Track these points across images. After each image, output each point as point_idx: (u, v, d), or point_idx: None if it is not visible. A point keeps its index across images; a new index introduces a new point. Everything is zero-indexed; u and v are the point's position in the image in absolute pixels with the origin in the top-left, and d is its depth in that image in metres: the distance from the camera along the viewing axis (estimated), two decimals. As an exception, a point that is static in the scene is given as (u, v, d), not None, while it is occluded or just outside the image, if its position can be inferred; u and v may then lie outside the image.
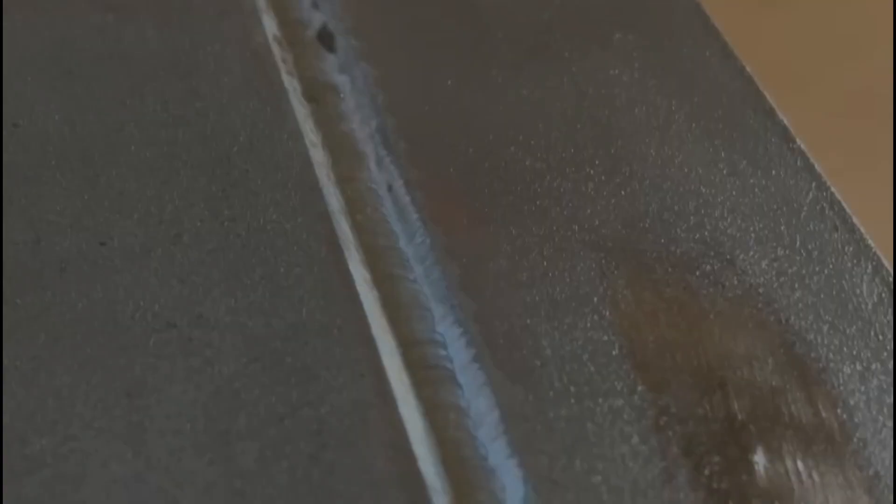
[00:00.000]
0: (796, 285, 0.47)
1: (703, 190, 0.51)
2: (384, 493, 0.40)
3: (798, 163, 0.52)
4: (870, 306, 0.47)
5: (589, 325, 0.45)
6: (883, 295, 0.47)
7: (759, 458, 0.42)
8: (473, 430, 0.43)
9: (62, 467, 0.40)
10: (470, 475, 0.42)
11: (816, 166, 0.51)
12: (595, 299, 0.46)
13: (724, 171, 0.51)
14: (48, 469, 0.40)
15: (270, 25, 0.56)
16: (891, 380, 0.44)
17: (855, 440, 0.43)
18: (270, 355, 0.43)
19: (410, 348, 0.45)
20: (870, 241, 0.49)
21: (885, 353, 0.45)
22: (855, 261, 0.48)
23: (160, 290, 0.45)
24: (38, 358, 0.43)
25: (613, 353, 0.45)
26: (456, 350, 0.45)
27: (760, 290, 0.47)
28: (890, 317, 0.46)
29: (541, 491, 0.41)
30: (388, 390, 0.43)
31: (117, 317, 0.44)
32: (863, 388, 0.44)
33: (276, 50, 0.55)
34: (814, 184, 0.51)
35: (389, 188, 0.50)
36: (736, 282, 0.47)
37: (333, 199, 0.49)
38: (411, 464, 0.41)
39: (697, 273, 0.48)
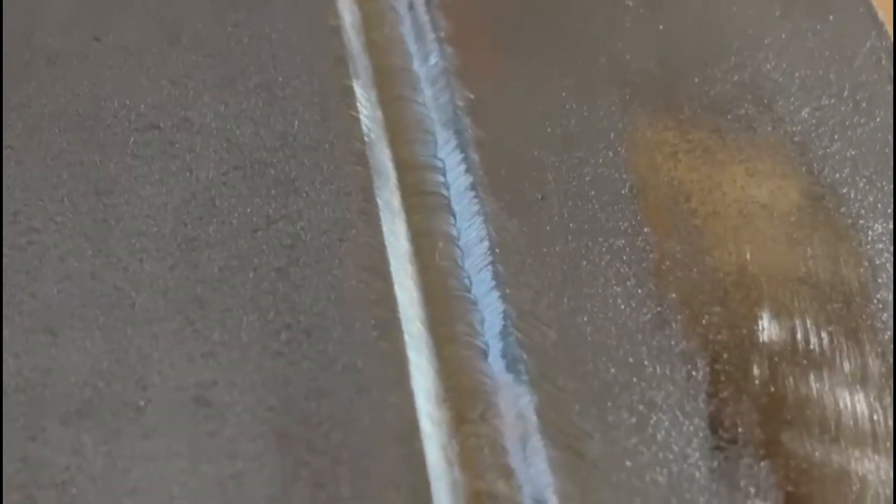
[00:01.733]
0: (836, 136, 0.43)
1: (751, 31, 0.47)
2: (351, 314, 0.37)
3: (860, 9, 0.48)
4: (915, 164, 0.43)
5: (601, 161, 0.42)
6: (934, 155, 0.43)
7: (765, 313, 0.39)
8: (460, 260, 0.40)
9: (18, 259, 0.38)
10: (450, 305, 0.39)
11: (880, 14, 0.47)
12: (612, 135, 0.43)
13: (777, 13, 0.47)
14: (3, 259, 0.38)
15: None
16: (925, 242, 0.41)
17: (875, 301, 0.39)
18: (253, 165, 0.41)
19: (407, 172, 0.42)
20: (929, 99, 0.45)
21: (924, 214, 0.41)
22: (907, 116, 0.44)
23: (149, 90, 0.42)
24: (11, 147, 0.40)
25: (623, 192, 0.41)
26: (454, 177, 0.42)
27: (796, 139, 0.43)
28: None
29: (521, 326, 0.38)
30: (374, 211, 0.40)
31: (100, 113, 0.42)
32: (892, 249, 0.40)
33: None
34: (874, 32, 0.47)
35: (410, 6, 0.47)
36: (770, 128, 0.44)
37: (348, 14, 0.46)
38: (386, 288, 0.38)
39: (729, 116, 0.44)
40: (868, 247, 0.40)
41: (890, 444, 0.36)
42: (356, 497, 0.34)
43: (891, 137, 0.43)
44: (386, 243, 0.40)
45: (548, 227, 0.40)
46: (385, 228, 0.40)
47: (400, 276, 0.39)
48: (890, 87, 0.45)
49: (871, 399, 0.37)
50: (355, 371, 0.36)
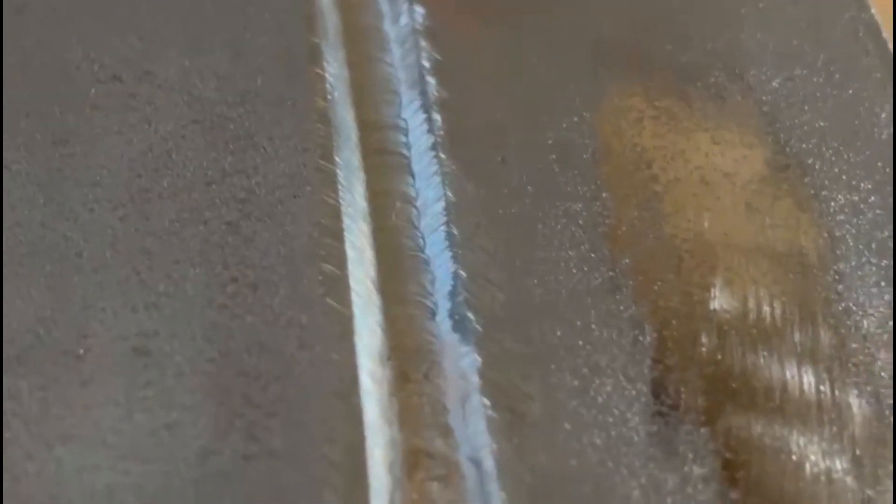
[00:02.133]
0: (807, 107, 0.43)
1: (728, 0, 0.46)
2: (299, 270, 0.37)
3: (841, -19, 0.47)
4: (884, 136, 0.42)
5: (565, 125, 0.42)
6: (905, 128, 0.43)
7: (718, 282, 0.38)
8: (416, 221, 0.40)
9: (-31, 206, 0.38)
10: (401, 265, 0.39)
11: (862, -14, 0.47)
12: (577, 100, 0.42)
13: (756, -17, 0.47)
14: (-45, 206, 0.38)
15: None
16: (888, 216, 0.40)
17: (831, 272, 0.39)
18: (213, 119, 0.41)
19: (370, 132, 0.42)
20: (905, 72, 0.44)
21: (888, 188, 0.41)
22: (881, 88, 0.43)
23: (115, 42, 0.42)
24: (-30, 96, 0.41)
25: (584, 156, 0.41)
26: (416, 137, 0.42)
27: (765, 109, 0.43)
28: (906, 151, 0.42)
29: (471, 288, 0.38)
30: (331, 169, 0.40)
31: (63, 64, 0.41)
32: (854, 221, 0.40)
33: None
34: (854, 4, 0.46)
35: (384, -33, 0.47)
36: (739, 98, 0.43)
37: (321, -27, 0.46)
38: (337, 245, 0.38)
39: (699, 84, 0.43)
40: (829, 218, 0.40)
41: (835, 415, 0.35)
42: (290, 451, 0.34)
43: (861, 110, 0.43)
44: (341, 201, 0.39)
45: (505, 190, 0.40)
46: (342, 187, 0.40)
47: (353, 235, 0.39)
48: (866, 60, 0.44)
49: (820, 371, 0.36)
50: (299, 326, 0.36)
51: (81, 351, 0.35)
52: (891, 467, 0.34)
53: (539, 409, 0.35)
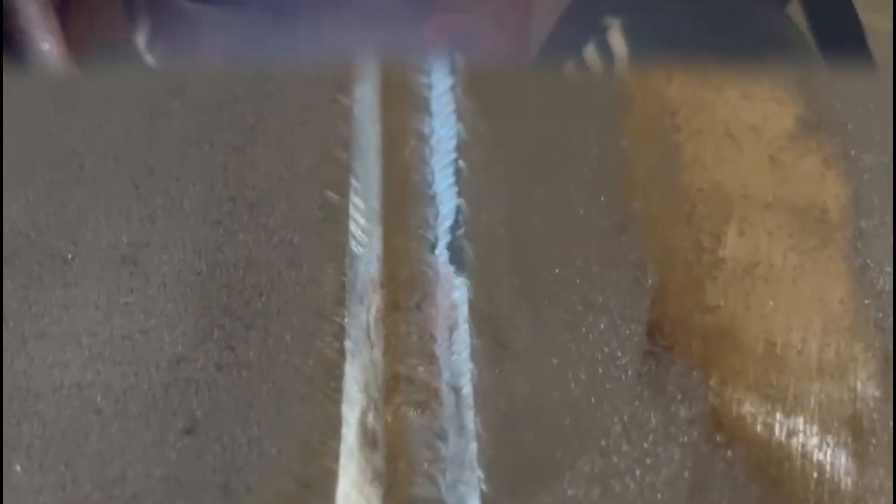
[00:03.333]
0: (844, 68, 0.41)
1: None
2: (298, 194, 0.36)
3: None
4: (924, 100, 0.40)
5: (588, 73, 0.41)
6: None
7: (731, 231, 0.36)
8: (428, 158, 0.39)
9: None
10: (407, 198, 0.38)
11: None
12: (606, 49, 0.42)
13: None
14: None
15: None
16: (919, 177, 0.38)
17: (851, 229, 0.37)
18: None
19: (392, 70, 0.41)
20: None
21: (923, 150, 0.39)
22: (926, 55, 0.42)
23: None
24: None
25: (606, 104, 0.40)
26: (438, 78, 0.41)
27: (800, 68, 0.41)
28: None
29: (472, 220, 0.35)
30: (346, 103, 0.39)
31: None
32: (882, 180, 0.38)
33: None
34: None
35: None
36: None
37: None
38: (342, 174, 0.38)
39: (735, 42, 0.42)
40: (855, 176, 0.38)
41: (838, 370, 0.34)
42: (263, 362, 0.33)
43: (903, 73, 0.41)
44: (353, 133, 0.39)
45: (519, 132, 0.39)
46: (356, 120, 0.39)
47: (362, 167, 0.38)
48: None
49: (827, 325, 0.35)
50: (290, 246, 0.35)
51: (69, 255, 0.35)
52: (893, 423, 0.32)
53: (525, 341, 0.34)
